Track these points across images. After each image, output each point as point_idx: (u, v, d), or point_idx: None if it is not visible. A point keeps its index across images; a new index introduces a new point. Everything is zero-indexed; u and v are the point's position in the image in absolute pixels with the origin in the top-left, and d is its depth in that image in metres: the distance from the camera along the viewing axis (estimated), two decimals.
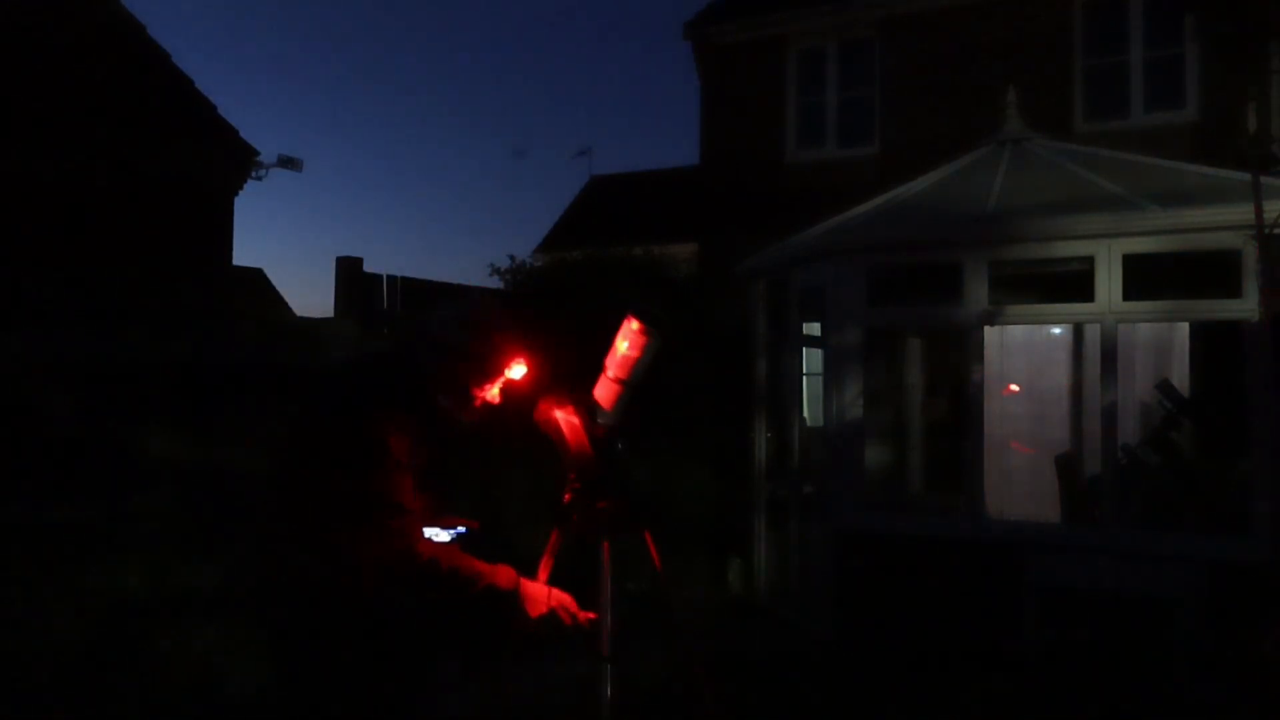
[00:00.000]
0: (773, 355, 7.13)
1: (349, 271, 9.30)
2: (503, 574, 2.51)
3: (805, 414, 6.94)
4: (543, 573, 2.90)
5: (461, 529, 2.61)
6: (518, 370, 2.62)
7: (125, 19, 12.69)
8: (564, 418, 2.88)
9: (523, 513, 6.41)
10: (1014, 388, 7.82)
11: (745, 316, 7.40)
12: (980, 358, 5.84)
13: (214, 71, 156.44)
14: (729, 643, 5.98)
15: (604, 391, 3.17)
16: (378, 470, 2.38)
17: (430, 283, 11.11)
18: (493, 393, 2.61)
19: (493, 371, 2.58)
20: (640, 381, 3.17)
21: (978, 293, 5.76)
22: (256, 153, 13.70)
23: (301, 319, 10.98)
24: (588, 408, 2.85)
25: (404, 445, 2.42)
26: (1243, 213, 4.88)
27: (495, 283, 11.50)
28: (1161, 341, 7.42)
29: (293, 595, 2.50)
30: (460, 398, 2.58)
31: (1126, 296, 5.44)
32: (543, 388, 2.66)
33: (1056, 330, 7.88)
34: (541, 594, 2.54)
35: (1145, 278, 5.47)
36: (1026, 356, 7.89)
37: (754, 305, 7.25)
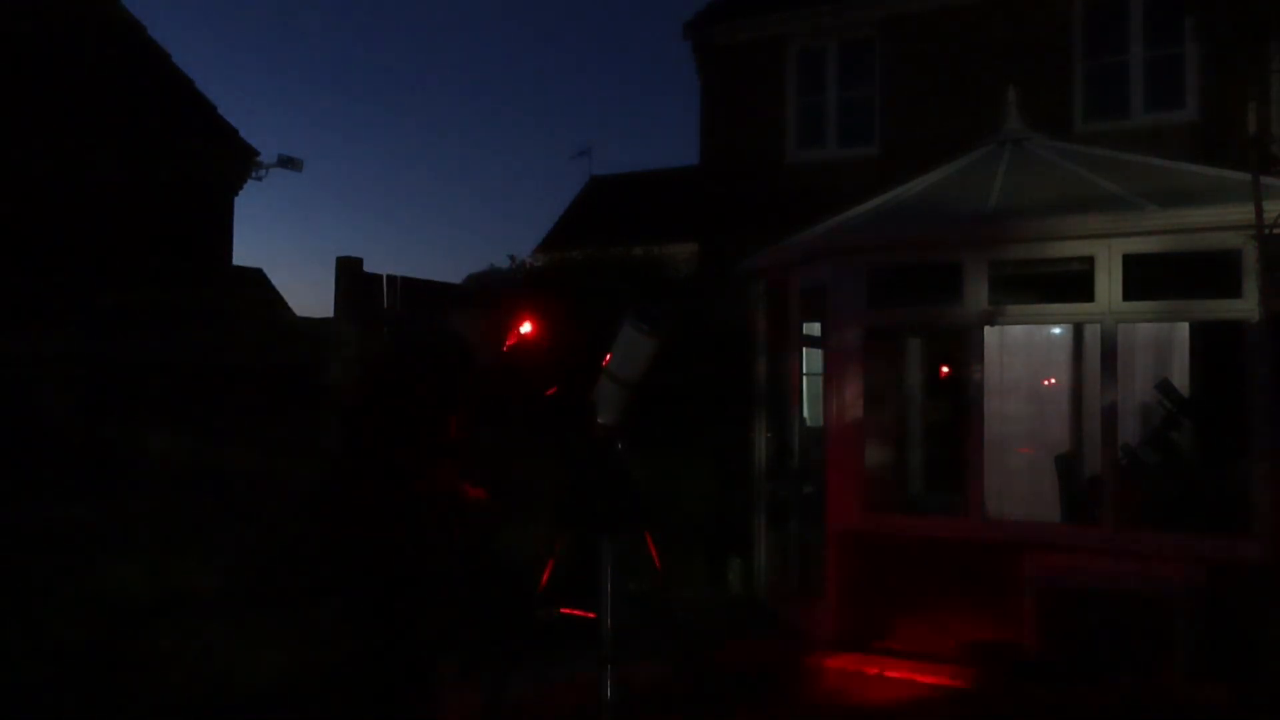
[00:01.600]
0: (773, 355, 7.13)
1: (349, 271, 9.29)
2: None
3: (805, 414, 6.94)
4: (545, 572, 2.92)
5: None
6: (526, 327, 3.31)
7: (125, 19, 12.69)
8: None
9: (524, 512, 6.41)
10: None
11: (745, 316, 7.40)
12: (980, 358, 5.84)
13: (214, 71, 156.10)
14: (729, 643, 5.98)
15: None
16: (445, 410, 3.08)
17: (430, 283, 11.09)
18: (511, 342, 3.30)
19: (511, 325, 3.27)
20: (639, 381, 3.18)
21: (978, 293, 5.76)
22: (256, 153, 13.71)
23: (301, 319, 10.98)
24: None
25: (457, 393, 3.12)
26: (1243, 213, 4.89)
27: None
28: (1161, 341, 7.42)
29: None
30: (493, 346, 3.28)
31: (1126, 296, 5.44)
32: (547, 344, 3.41)
33: (1056, 330, 7.88)
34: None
35: (1145, 278, 5.46)
36: (1026, 356, 7.88)
37: (754, 305, 7.25)
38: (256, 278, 28.54)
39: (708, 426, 7.78)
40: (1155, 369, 7.19)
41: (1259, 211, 4.59)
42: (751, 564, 7.11)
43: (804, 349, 6.92)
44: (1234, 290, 5.24)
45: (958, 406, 6.33)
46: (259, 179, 13.86)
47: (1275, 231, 4.62)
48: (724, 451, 7.59)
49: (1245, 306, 5.17)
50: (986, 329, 5.91)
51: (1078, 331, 7.62)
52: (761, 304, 7.17)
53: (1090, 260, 5.52)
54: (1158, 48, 10.46)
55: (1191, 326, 7.00)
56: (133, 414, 6.55)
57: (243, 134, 13.64)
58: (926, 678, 5.36)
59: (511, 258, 13.87)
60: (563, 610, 3.24)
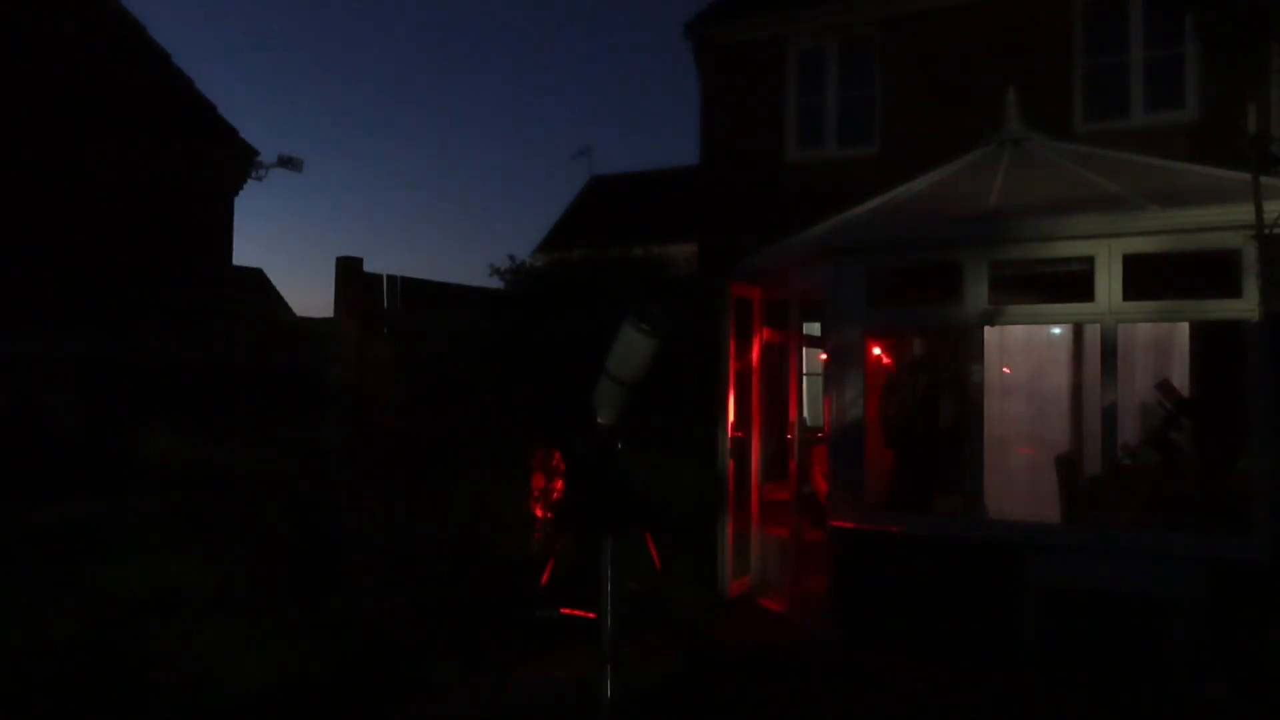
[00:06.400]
0: (772, 355, 7.13)
1: (349, 271, 9.26)
2: None
3: (805, 414, 6.94)
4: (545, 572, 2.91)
5: None
6: None
7: (125, 19, 12.70)
8: None
9: (523, 512, 6.41)
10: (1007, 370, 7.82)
11: (714, 323, 7.38)
12: (980, 358, 5.84)
13: (214, 71, 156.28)
14: (729, 642, 5.98)
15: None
16: None
17: (430, 283, 11.08)
18: None
19: None
20: (639, 381, 3.18)
21: (978, 293, 5.76)
22: (256, 153, 13.70)
23: (301, 319, 10.97)
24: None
25: None
26: (1243, 213, 4.89)
27: (495, 282, 11.47)
28: (1161, 341, 7.42)
29: None
30: None
31: (1126, 296, 5.44)
32: None
33: (1056, 330, 7.88)
34: None
35: (1145, 278, 5.47)
36: (1026, 356, 7.89)
37: (720, 313, 7.23)
38: (256, 278, 28.56)
39: (695, 427, 7.79)
40: (1155, 369, 7.20)
41: (1259, 211, 4.58)
42: (752, 563, 7.11)
43: (804, 349, 6.93)
44: (1234, 290, 5.24)
45: (958, 407, 6.33)
46: (259, 179, 13.85)
47: (1275, 231, 4.61)
48: (712, 452, 7.59)
49: (1245, 306, 5.17)
50: (986, 329, 5.90)
51: (1078, 331, 7.62)
52: (727, 313, 7.16)
53: (1090, 260, 5.52)
54: (1158, 48, 10.45)
55: (1191, 326, 7.01)
56: (132, 414, 6.55)
57: (243, 134, 13.63)
58: (928, 676, 5.36)
59: (511, 258, 13.84)
60: (563, 610, 3.24)
